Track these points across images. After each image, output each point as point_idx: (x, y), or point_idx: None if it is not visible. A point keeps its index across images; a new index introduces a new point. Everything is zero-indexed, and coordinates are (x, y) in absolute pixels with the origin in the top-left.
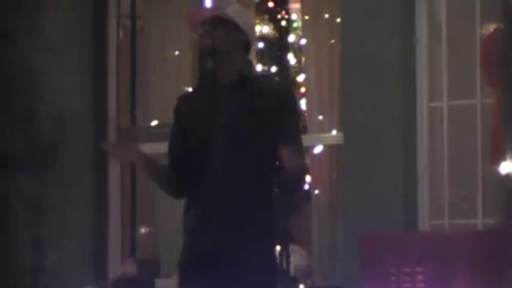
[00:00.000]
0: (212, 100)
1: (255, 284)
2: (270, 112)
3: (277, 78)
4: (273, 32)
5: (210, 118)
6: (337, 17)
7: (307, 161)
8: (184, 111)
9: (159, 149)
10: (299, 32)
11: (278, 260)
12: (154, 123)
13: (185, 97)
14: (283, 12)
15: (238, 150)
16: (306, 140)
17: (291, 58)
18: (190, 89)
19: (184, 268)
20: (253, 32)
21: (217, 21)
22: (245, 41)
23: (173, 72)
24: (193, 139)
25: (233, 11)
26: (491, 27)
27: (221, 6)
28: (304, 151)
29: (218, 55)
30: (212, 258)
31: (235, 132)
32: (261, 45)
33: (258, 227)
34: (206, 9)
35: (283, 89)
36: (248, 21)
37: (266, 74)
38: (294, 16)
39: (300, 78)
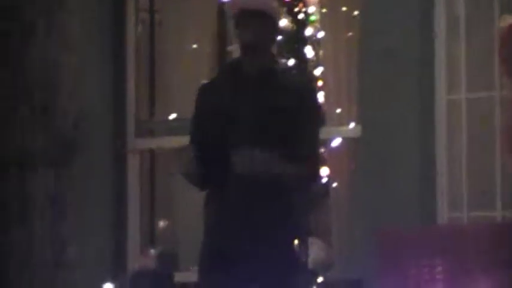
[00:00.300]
0: (236, 91)
1: (276, 281)
2: (291, 108)
3: (298, 73)
4: (291, 25)
5: (232, 109)
6: (355, 10)
7: (324, 154)
8: (206, 101)
9: (178, 142)
10: (317, 25)
11: (296, 253)
12: (172, 117)
13: (207, 86)
14: (301, 5)
15: (260, 144)
16: (324, 132)
17: (309, 51)
18: (211, 79)
19: (204, 264)
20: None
21: (261, 15)
22: (275, 35)
23: (192, 66)
24: (215, 129)
25: (272, 7)
26: (510, 20)
27: (265, 1)
28: (319, 144)
29: (253, 49)
30: (232, 254)
31: (258, 125)
32: (279, 38)
33: (278, 223)
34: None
35: (306, 85)
36: (279, 18)
37: (290, 68)
38: (311, 9)
39: (318, 71)
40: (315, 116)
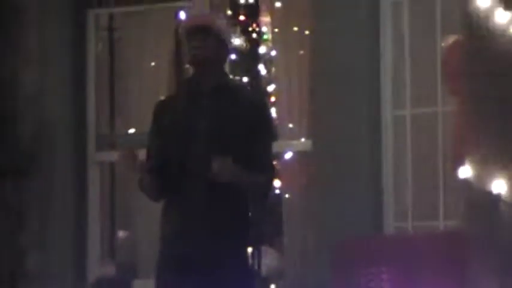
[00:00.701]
0: (191, 105)
1: (230, 285)
2: (244, 121)
3: (251, 88)
4: (245, 44)
5: (187, 122)
6: (306, 29)
7: (277, 166)
8: (162, 115)
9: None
10: (269, 44)
11: (250, 261)
12: (132, 130)
13: (164, 101)
14: (254, 25)
15: (215, 153)
16: (276, 146)
17: (262, 69)
18: (168, 95)
19: (159, 272)
20: (230, 45)
21: (207, 32)
22: (226, 53)
23: (150, 82)
24: (171, 142)
25: (217, 23)
26: (452, 40)
27: (210, 17)
28: (272, 160)
29: (203, 63)
30: (187, 263)
31: (212, 138)
32: (233, 56)
33: (232, 232)
34: (196, 18)
35: (258, 100)
36: (229, 36)
37: (242, 84)
38: (264, 29)
39: (270, 88)
40: (268, 130)
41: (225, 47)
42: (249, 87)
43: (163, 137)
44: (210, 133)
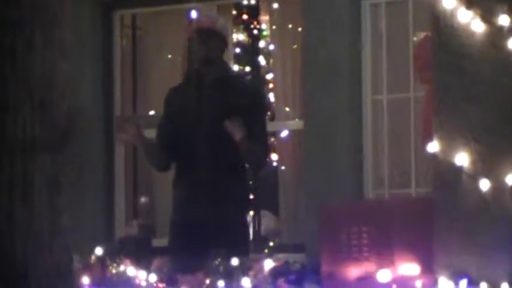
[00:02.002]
0: (196, 94)
1: (232, 243)
2: (241, 104)
3: (249, 77)
4: (247, 39)
5: (193, 109)
6: (299, 27)
7: (274, 143)
8: (172, 101)
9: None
10: (268, 39)
11: (251, 223)
12: (152, 112)
13: (174, 89)
14: (255, 22)
15: (216, 135)
16: (274, 126)
17: (262, 60)
18: (178, 84)
19: (172, 235)
20: (231, 41)
21: (210, 33)
22: (225, 48)
23: (167, 72)
24: (179, 124)
25: (222, 25)
26: (422, 35)
27: (213, 20)
28: (268, 138)
29: (206, 59)
30: (195, 223)
31: (214, 121)
32: (237, 50)
33: (233, 198)
34: (201, 21)
35: (254, 87)
36: (228, 33)
37: (240, 74)
38: (264, 26)
39: (269, 76)
40: (263, 112)
41: (225, 43)
42: (247, 77)
43: (171, 120)
44: (212, 117)
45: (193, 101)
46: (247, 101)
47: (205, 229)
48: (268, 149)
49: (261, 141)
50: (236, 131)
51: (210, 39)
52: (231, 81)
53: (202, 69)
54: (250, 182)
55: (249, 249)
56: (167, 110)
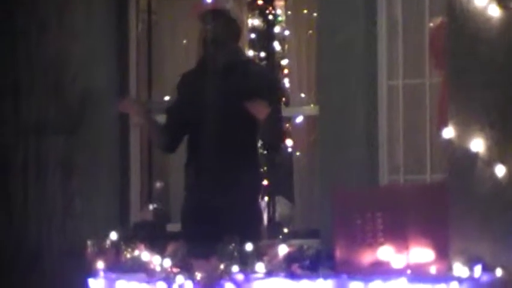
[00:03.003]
0: (207, 79)
1: (245, 227)
2: (254, 89)
3: (264, 63)
4: (262, 25)
5: (205, 94)
6: (314, 12)
7: (289, 128)
8: (184, 86)
9: None
10: (283, 24)
11: (266, 209)
12: (167, 97)
13: (186, 75)
14: (270, 8)
15: (228, 120)
16: (288, 111)
17: (277, 46)
18: (191, 69)
19: (184, 216)
20: (243, 24)
21: (218, 14)
22: (238, 31)
23: (182, 57)
24: (191, 109)
25: (230, 6)
26: (438, 21)
27: (221, 1)
28: (282, 121)
29: (216, 43)
30: (207, 208)
31: (225, 106)
32: (252, 35)
33: (246, 183)
34: (208, 3)
35: (267, 72)
36: (240, 16)
37: (252, 59)
38: (279, 11)
39: (284, 62)
40: (277, 97)
41: (236, 26)
42: (258, 62)
43: (183, 105)
44: (225, 102)
45: (206, 86)
46: (261, 85)
47: (217, 214)
48: (283, 133)
49: (277, 124)
50: (260, 110)
51: (218, 21)
52: (244, 65)
53: (214, 53)
54: (265, 168)
55: (262, 234)
56: (179, 95)
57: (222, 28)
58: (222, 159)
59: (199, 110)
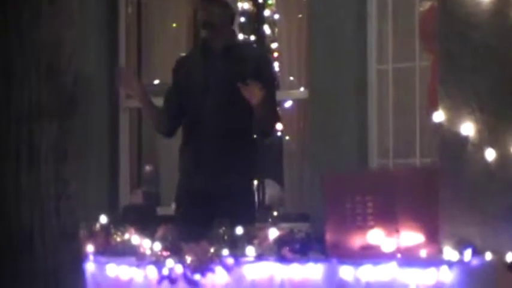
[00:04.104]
0: (204, 63)
1: (238, 211)
2: (250, 73)
3: (255, 46)
4: (252, 8)
5: (201, 77)
6: None
7: (279, 112)
8: (180, 71)
9: (160, 102)
10: (273, 8)
11: (256, 192)
12: (156, 81)
13: (182, 59)
14: None
15: (224, 103)
16: (278, 95)
17: (267, 29)
18: (185, 54)
19: (178, 202)
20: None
21: (214, 1)
22: (231, 15)
23: (171, 40)
24: (187, 93)
25: None
26: (428, 4)
27: None
28: (276, 104)
29: (211, 27)
30: (202, 193)
31: (222, 90)
32: (242, 19)
33: (240, 167)
34: None
35: (261, 54)
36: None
37: (248, 42)
38: None
39: (274, 45)
40: (272, 81)
41: (230, 11)
42: (253, 45)
43: (179, 89)
44: (220, 86)
45: (201, 70)
46: (256, 69)
47: (211, 197)
48: (278, 117)
49: (272, 108)
50: (253, 94)
51: (213, 6)
52: (239, 49)
53: (209, 37)
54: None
55: (255, 218)
56: (175, 79)
57: (217, 13)
58: (217, 143)
59: (196, 93)
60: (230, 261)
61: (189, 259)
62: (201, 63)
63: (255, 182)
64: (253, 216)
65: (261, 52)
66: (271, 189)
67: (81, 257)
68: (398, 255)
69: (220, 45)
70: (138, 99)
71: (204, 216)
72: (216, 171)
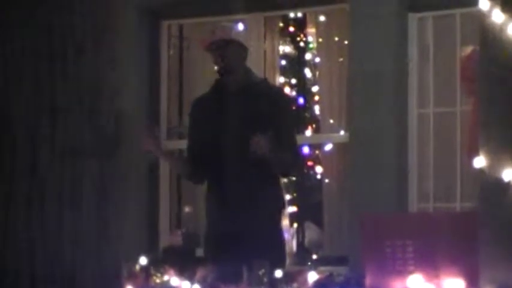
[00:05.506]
0: (221, 104)
1: (267, 254)
2: (268, 111)
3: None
4: (293, 51)
5: (220, 119)
6: (345, 40)
7: (318, 155)
8: (198, 113)
9: None
10: (314, 52)
11: (295, 235)
12: None
13: (198, 100)
14: (302, 35)
15: (244, 145)
16: (318, 138)
17: (308, 72)
18: (202, 95)
19: (207, 245)
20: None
21: (225, 42)
22: (244, 52)
23: (212, 82)
24: (207, 136)
25: (236, 33)
26: (469, 49)
27: (227, 30)
28: (296, 141)
29: (226, 69)
30: (229, 236)
31: (241, 130)
32: (283, 62)
33: (266, 208)
34: (215, 33)
35: (277, 92)
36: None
37: (263, 79)
38: (310, 38)
39: (315, 88)
40: (289, 117)
41: (241, 49)
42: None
43: (197, 131)
44: (238, 127)
45: (218, 111)
46: (272, 106)
47: (239, 240)
48: (298, 154)
49: (289, 146)
50: (259, 149)
51: (227, 49)
52: (254, 88)
53: (225, 79)
54: (294, 194)
55: (285, 259)
56: (194, 122)
57: (232, 55)
58: (242, 185)
59: (214, 136)
60: None
61: None
62: (217, 105)
63: (295, 225)
64: (284, 256)
65: (277, 90)
66: (311, 232)
67: None
68: None
69: (236, 85)
70: (162, 158)
71: (232, 260)
72: (241, 215)
